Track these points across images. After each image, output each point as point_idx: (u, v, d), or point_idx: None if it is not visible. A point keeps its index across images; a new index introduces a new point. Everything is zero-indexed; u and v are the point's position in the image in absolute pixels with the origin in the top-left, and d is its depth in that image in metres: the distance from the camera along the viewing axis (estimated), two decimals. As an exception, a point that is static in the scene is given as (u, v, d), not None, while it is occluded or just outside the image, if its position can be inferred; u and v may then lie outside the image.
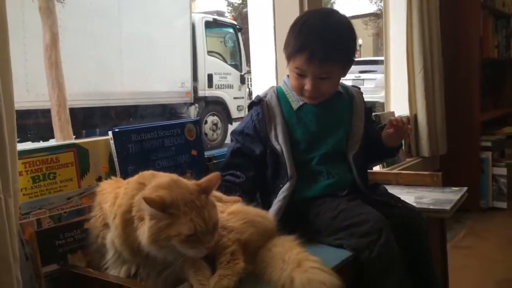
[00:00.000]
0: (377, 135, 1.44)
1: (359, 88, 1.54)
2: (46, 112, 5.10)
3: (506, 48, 3.92)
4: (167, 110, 7.63)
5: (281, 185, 1.34)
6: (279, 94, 1.43)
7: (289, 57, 1.36)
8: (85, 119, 6.43)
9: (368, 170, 1.61)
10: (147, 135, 1.35)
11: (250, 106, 1.46)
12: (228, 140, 1.58)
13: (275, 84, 1.99)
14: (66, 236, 1.11)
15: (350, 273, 1.15)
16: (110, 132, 1.26)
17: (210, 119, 8.09)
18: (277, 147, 1.35)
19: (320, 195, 1.33)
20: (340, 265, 1.12)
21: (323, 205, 1.29)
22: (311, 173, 1.37)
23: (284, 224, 1.18)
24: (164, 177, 1.04)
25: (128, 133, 1.29)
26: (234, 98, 8.50)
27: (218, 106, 8.34)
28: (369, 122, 1.49)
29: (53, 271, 1.08)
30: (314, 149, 1.38)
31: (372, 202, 1.29)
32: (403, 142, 2.84)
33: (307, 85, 1.33)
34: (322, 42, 1.29)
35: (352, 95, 1.47)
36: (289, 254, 1.04)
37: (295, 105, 1.40)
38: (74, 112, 5.42)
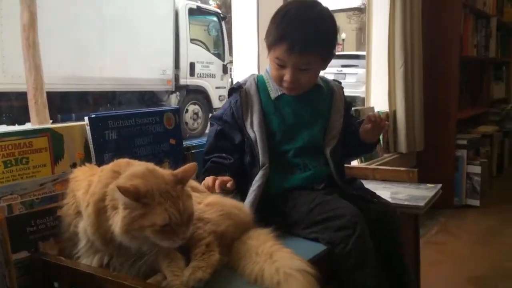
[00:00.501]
0: (355, 130, 1.44)
1: (340, 83, 1.54)
2: (22, 95, 4.98)
3: (484, 48, 3.98)
4: (147, 98, 7.55)
5: (255, 174, 1.34)
6: (259, 82, 1.43)
7: (270, 47, 1.35)
8: (62, 103, 6.30)
9: (346, 165, 1.62)
10: (125, 122, 1.32)
11: (229, 93, 1.46)
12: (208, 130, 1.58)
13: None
14: (38, 223, 1.09)
15: (325, 267, 1.15)
16: (86, 118, 1.24)
17: (191, 108, 8.03)
18: (251, 134, 1.35)
19: (297, 187, 1.34)
20: (315, 259, 1.12)
21: (299, 198, 1.29)
22: (287, 165, 1.37)
23: (260, 217, 1.18)
24: (139, 166, 1.03)
25: (105, 119, 1.27)
26: (216, 87, 8.44)
27: (199, 95, 8.28)
28: (348, 117, 1.49)
29: (23, 258, 1.06)
30: (289, 141, 1.38)
31: (348, 196, 1.30)
32: (381, 138, 2.88)
33: (287, 76, 1.33)
34: (303, 32, 1.29)
35: (333, 89, 1.48)
36: (262, 247, 1.04)
37: (273, 95, 1.40)
38: (50, 96, 5.30)
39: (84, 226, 1.01)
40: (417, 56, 3.03)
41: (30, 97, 4.21)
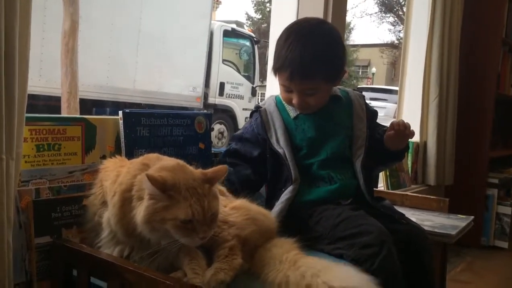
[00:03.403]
0: (380, 138, 1.40)
1: (361, 91, 1.52)
2: (55, 99, 5.11)
3: (522, 88, 3.89)
4: (176, 113, 7.62)
5: (283, 189, 1.32)
6: (278, 102, 1.43)
7: (275, 72, 1.36)
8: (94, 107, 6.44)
9: (374, 189, 1.57)
10: (157, 121, 1.33)
11: (250, 115, 1.47)
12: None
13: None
14: (63, 209, 1.09)
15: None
16: (120, 112, 1.25)
17: (217, 127, 8.08)
18: (280, 150, 1.33)
19: (322, 200, 1.30)
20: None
21: (325, 212, 1.25)
22: (312, 178, 1.34)
23: (284, 229, 1.14)
24: (169, 161, 1.03)
25: (138, 115, 1.28)
26: (243, 109, 8.50)
27: (226, 115, 8.34)
28: (373, 125, 1.46)
29: (45, 243, 1.05)
30: (314, 155, 1.36)
31: (376, 214, 1.25)
32: (409, 167, 2.82)
33: (294, 100, 1.33)
34: (301, 60, 1.27)
35: (351, 99, 1.45)
36: (286, 255, 1.01)
37: (292, 114, 1.40)
38: (83, 102, 5.43)
39: (108, 216, 1.00)
40: (452, 90, 2.99)
41: (63, 101, 4.33)
